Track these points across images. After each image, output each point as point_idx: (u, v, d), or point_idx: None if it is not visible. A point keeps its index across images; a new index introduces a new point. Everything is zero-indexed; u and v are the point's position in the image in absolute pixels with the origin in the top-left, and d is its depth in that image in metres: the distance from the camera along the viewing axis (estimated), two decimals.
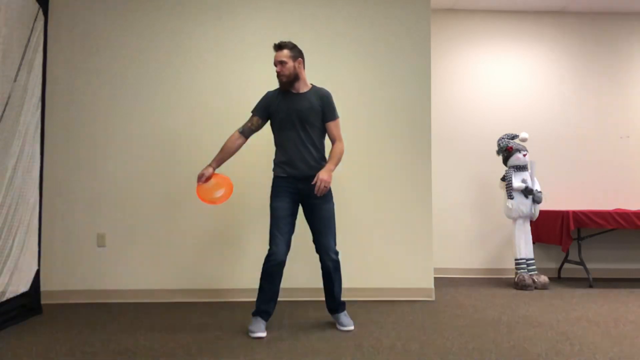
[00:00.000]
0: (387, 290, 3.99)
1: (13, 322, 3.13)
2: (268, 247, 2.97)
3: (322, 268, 3.06)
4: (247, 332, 2.92)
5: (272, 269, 2.92)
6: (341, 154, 3.08)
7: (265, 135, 3.98)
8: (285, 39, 4.06)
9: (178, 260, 3.95)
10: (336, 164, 3.04)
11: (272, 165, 3.16)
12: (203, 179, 3.06)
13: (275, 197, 3.02)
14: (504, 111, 5.41)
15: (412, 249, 4.01)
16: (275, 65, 3.08)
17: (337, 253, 3.05)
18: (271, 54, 4.04)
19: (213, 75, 4.04)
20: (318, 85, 4.06)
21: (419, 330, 3.03)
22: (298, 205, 3.07)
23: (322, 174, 2.92)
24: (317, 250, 3.04)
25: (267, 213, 3.91)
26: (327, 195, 3.06)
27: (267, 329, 2.98)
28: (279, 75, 3.07)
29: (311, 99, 3.07)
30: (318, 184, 2.90)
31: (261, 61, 4.05)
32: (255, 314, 2.96)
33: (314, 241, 3.06)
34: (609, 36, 5.50)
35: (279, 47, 3.09)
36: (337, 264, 3.06)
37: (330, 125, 3.10)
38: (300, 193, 3.03)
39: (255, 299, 3.05)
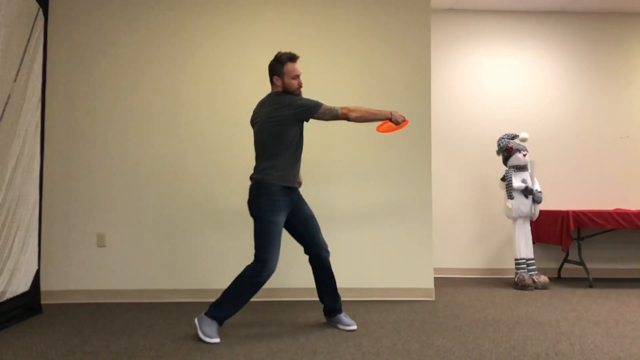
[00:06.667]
0: (387, 290, 3.99)
1: (13, 322, 3.13)
2: (259, 260, 2.82)
3: (322, 266, 3.03)
4: (198, 337, 2.78)
5: (263, 283, 2.84)
6: None
7: None
8: (284, 39, 4.07)
9: (178, 260, 3.95)
10: None
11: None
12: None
13: (276, 211, 2.86)
14: (504, 111, 5.41)
15: (412, 249, 4.01)
16: (299, 77, 2.96)
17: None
18: (269, 53, 4.05)
19: (214, 76, 4.04)
20: (319, 84, 4.08)
21: (419, 330, 3.03)
22: None
23: None
24: (314, 250, 3.01)
25: None
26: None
27: (268, 328, 2.99)
28: (300, 87, 2.98)
29: None
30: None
31: (262, 62, 4.05)
32: (215, 318, 2.81)
33: (309, 243, 3.01)
34: (609, 36, 5.50)
35: (298, 57, 2.98)
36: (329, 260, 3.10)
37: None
38: (291, 204, 2.97)
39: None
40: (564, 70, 5.47)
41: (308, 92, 3.96)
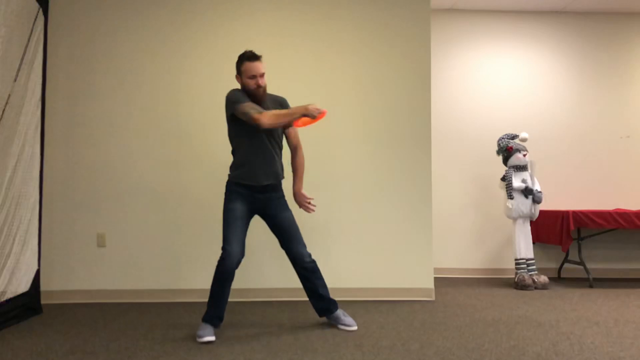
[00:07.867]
0: (387, 290, 3.99)
1: (13, 322, 3.13)
2: (222, 248, 2.85)
3: (298, 274, 3.03)
4: (195, 338, 2.80)
5: (229, 270, 2.81)
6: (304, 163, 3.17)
7: None
8: (284, 39, 4.07)
9: (178, 260, 3.95)
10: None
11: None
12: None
13: (231, 200, 2.92)
14: (504, 111, 5.41)
15: (412, 249, 4.01)
16: (256, 77, 2.87)
17: (309, 255, 3.03)
18: (269, 52, 4.06)
19: (214, 75, 4.04)
20: (319, 84, 4.08)
21: (419, 330, 3.03)
22: (253, 215, 3.00)
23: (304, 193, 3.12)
24: (290, 257, 3.02)
25: None
26: (285, 204, 3.05)
27: (268, 328, 2.98)
28: (259, 87, 2.89)
29: (275, 105, 3.00)
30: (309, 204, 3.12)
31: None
32: (207, 320, 2.84)
33: (284, 248, 3.02)
34: (609, 36, 5.50)
35: (257, 57, 2.90)
36: (312, 265, 3.03)
37: (292, 130, 3.09)
38: (256, 203, 2.96)
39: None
40: (564, 70, 5.47)
41: (307, 92, 3.98)
